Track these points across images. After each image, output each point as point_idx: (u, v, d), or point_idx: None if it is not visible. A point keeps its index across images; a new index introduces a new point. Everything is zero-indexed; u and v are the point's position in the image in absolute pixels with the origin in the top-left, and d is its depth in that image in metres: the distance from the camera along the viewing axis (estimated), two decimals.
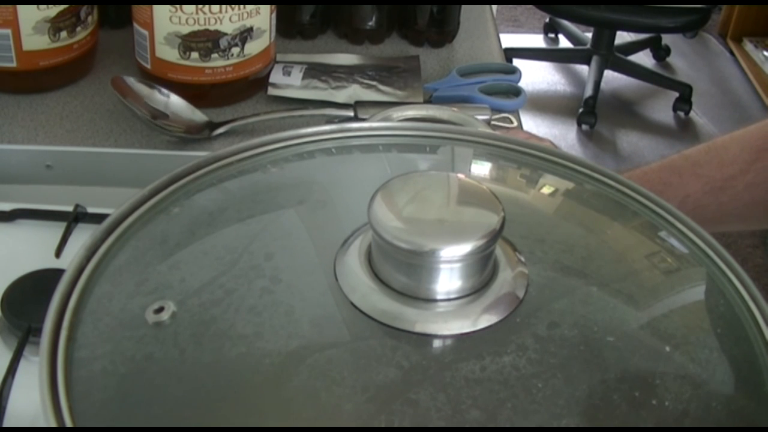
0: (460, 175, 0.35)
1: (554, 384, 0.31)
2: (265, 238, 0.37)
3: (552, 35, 2.82)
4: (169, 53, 0.71)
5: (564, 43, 2.77)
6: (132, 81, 0.70)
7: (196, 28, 0.69)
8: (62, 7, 0.70)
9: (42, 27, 0.70)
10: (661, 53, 2.72)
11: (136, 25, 0.72)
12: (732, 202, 0.62)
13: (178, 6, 0.68)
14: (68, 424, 0.29)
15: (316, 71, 0.78)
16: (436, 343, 0.32)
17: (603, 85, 2.44)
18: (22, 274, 0.51)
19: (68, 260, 0.35)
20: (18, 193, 0.62)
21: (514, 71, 0.81)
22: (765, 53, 2.63)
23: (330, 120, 0.71)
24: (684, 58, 2.77)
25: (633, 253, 0.38)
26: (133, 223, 0.37)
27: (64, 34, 0.71)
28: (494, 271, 0.33)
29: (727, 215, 0.63)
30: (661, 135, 2.41)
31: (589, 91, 2.38)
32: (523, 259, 0.35)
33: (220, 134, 0.70)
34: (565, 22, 2.67)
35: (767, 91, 2.52)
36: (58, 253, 0.55)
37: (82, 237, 0.39)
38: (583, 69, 2.55)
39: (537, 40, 2.82)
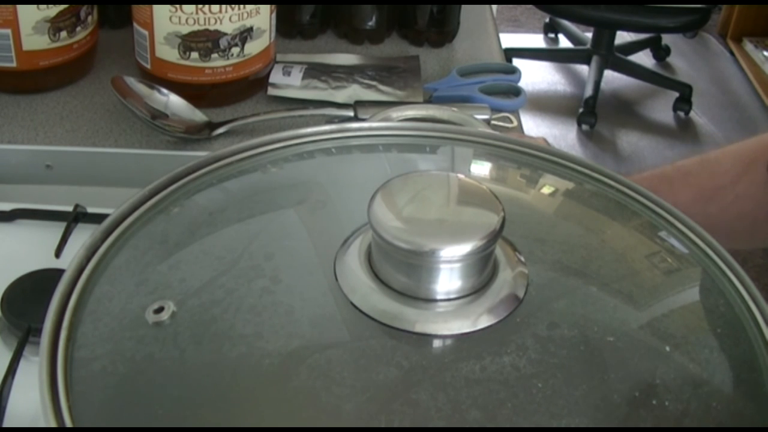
0: (460, 175, 0.35)
1: (554, 384, 0.31)
2: (265, 238, 0.37)
3: (552, 35, 2.82)
4: (169, 53, 0.71)
5: (564, 43, 2.77)
6: (132, 81, 0.70)
7: (196, 28, 0.69)
8: (62, 7, 0.70)
9: (42, 27, 0.70)
10: (661, 53, 2.72)
11: (136, 25, 0.72)
12: (720, 214, 0.62)
13: (178, 6, 0.68)
14: (68, 424, 0.29)
15: (316, 71, 0.78)
16: (436, 343, 0.32)
17: (603, 85, 2.44)
18: (22, 274, 0.51)
19: (68, 260, 0.35)
20: (18, 193, 0.62)
21: (514, 71, 0.81)
22: (765, 53, 2.63)
23: (330, 120, 0.71)
24: (684, 58, 2.77)
25: (633, 253, 0.38)
26: (133, 223, 0.37)
27: (64, 34, 0.71)
28: (494, 271, 0.33)
29: (713, 227, 0.64)
30: (661, 135, 2.41)
31: (589, 91, 2.38)
32: (523, 259, 0.35)
33: (220, 134, 0.70)
34: (565, 22, 2.68)
35: (767, 91, 2.52)
36: (58, 253, 0.55)
37: (82, 237, 0.39)
38: (583, 69, 2.55)
39: (537, 40, 2.82)
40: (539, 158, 0.42)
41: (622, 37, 2.61)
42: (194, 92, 0.71)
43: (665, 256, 0.38)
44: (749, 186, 0.61)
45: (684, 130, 2.44)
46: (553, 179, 0.42)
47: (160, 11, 0.69)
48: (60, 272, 0.34)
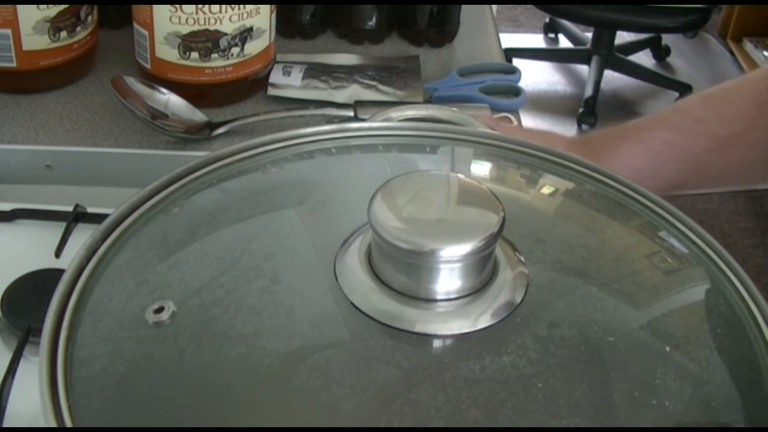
0: (460, 175, 0.35)
1: (554, 384, 0.31)
2: (265, 238, 0.37)
3: (552, 35, 2.82)
4: (169, 53, 0.71)
5: (564, 43, 2.77)
6: (132, 81, 0.70)
7: (196, 28, 0.69)
8: (62, 7, 0.70)
9: (42, 27, 0.70)
10: (661, 53, 2.72)
11: (136, 25, 0.72)
12: (737, 159, 0.60)
13: (178, 6, 0.68)
14: (68, 424, 0.29)
15: (316, 71, 0.78)
16: (436, 343, 0.32)
17: (603, 85, 2.44)
18: (22, 274, 0.51)
19: (68, 260, 0.35)
20: (18, 193, 0.62)
21: (514, 71, 0.81)
22: (765, 53, 2.63)
23: (330, 120, 0.71)
24: (684, 58, 2.77)
25: (633, 253, 0.38)
26: (133, 223, 0.37)
27: (64, 34, 0.71)
28: (494, 271, 0.33)
29: (731, 173, 0.62)
30: None
31: (589, 91, 2.38)
32: (523, 259, 0.35)
33: (220, 134, 0.70)
34: (565, 22, 2.67)
35: None
36: (58, 253, 0.55)
37: (82, 237, 0.39)
38: (583, 69, 2.55)
39: (537, 40, 2.82)
40: (539, 158, 0.42)
41: (622, 37, 2.61)
42: (194, 92, 0.71)
43: (665, 256, 0.38)
44: (766, 128, 0.59)
45: None
46: (553, 179, 0.42)
47: (160, 11, 0.69)
48: (60, 272, 0.34)
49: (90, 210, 0.58)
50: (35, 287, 0.50)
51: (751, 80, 0.62)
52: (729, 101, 0.61)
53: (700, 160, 0.60)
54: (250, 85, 0.75)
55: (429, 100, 0.76)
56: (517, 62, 2.30)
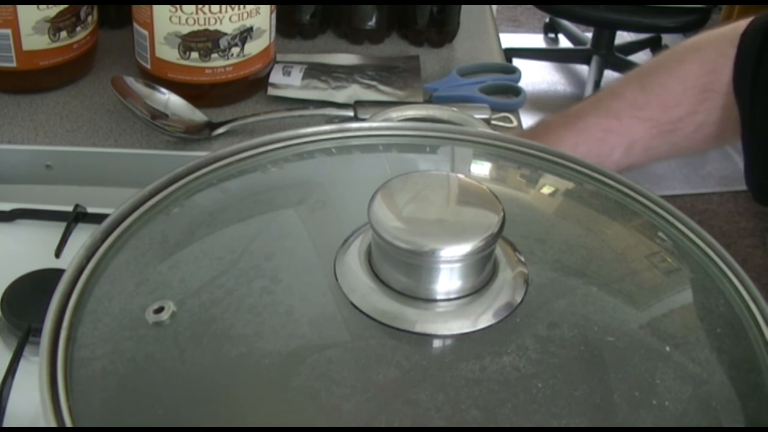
0: (460, 175, 0.35)
1: (554, 384, 0.31)
2: (265, 238, 0.37)
3: (552, 35, 2.82)
4: (169, 53, 0.71)
5: (564, 43, 2.77)
6: (132, 81, 0.70)
7: (196, 28, 0.69)
8: (62, 7, 0.70)
9: (42, 27, 0.70)
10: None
11: (136, 25, 0.72)
12: (683, 141, 0.60)
13: (178, 6, 0.68)
14: (68, 424, 0.29)
15: (316, 71, 0.78)
16: (436, 343, 0.32)
17: (603, 85, 2.44)
18: (22, 274, 0.51)
19: (68, 260, 0.35)
20: (18, 193, 0.62)
21: (514, 71, 0.81)
22: None
23: (330, 120, 0.71)
24: None
25: (633, 253, 0.38)
26: (133, 223, 0.37)
27: (63, 34, 0.71)
28: (494, 271, 0.33)
29: (680, 151, 0.62)
30: None
31: (589, 91, 2.38)
32: (523, 259, 0.35)
33: (220, 134, 0.70)
34: (565, 22, 2.68)
35: None
36: (58, 253, 0.55)
37: (82, 237, 0.39)
38: (583, 69, 2.55)
39: (537, 40, 2.82)
40: (539, 158, 0.42)
41: (622, 37, 2.61)
42: (194, 92, 0.71)
43: (665, 256, 0.38)
44: (709, 113, 0.58)
45: None
46: (553, 179, 0.42)
47: (160, 11, 0.69)
48: (60, 272, 0.34)
49: (90, 210, 0.58)
50: (35, 287, 0.50)
51: (685, 61, 0.60)
52: (666, 87, 0.59)
53: (646, 145, 0.59)
54: (250, 85, 0.75)
55: (429, 100, 0.76)
56: (517, 62, 2.30)
